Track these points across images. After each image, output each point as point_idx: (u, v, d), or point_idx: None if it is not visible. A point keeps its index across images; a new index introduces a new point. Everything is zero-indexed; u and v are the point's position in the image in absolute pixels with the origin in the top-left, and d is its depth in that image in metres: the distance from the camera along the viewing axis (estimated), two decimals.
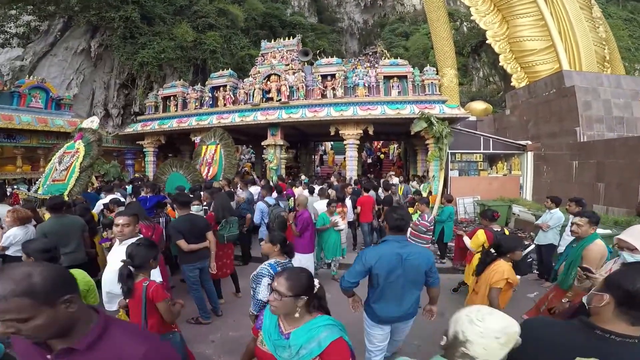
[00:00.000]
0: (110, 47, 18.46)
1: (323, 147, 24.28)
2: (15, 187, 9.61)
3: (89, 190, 9.13)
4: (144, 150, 14.56)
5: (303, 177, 10.93)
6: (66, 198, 6.85)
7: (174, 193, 7.58)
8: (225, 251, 4.55)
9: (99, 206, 5.81)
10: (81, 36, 18.62)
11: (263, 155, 12.80)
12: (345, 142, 12.12)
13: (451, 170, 11.69)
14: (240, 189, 7.16)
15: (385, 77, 11.95)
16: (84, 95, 19.84)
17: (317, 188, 8.19)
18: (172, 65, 18.90)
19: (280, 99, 12.15)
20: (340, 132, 11.95)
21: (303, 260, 4.67)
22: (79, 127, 7.95)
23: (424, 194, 9.47)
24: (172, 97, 13.81)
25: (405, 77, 11.96)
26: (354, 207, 7.28)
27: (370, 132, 12.07)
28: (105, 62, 19.87)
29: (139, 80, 19.45)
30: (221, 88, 13.05)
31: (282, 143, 12.28)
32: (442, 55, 16.47)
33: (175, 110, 13.59)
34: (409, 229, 5.29)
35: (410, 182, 11.27)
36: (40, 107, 11.92)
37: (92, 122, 7.83)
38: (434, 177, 10.89)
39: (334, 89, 12.11)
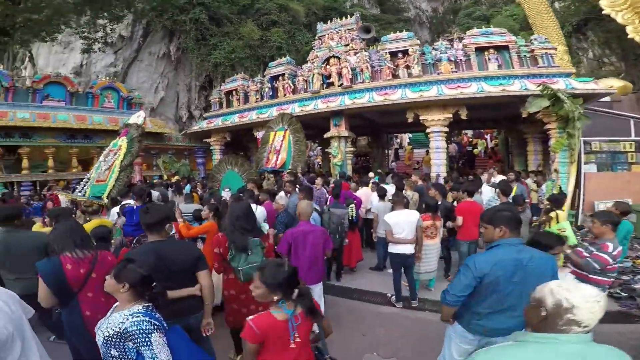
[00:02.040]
0: (186, 50, 19.08)
1: (399, 140, 21.66)
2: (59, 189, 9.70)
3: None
4: (211, 148, 14.25)
5: (372, 174, 8.93)
6: (105, 200, 6.22)
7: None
8: (248, 294, 2.93)
9: (113, 214, 4.85)
10: (160, 41, 19.61)
11: (327, 150, 11.12)
12: (428, 131, 9.73)
13: (585, 163, 8.36)
14: (287, 191, 5.58)
15: (477, 48, 9.43)
16: (169, 98, 20.98)
17: (390, 189, 6.20)
18: (243, 65, 18.87)
19: (342, 84, 10.39)
20: (421, 118, 9.64)
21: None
22: (125, 122, 7.37)
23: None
24: (234, 92, 13.16)
25: (506, 47, 9.29)
26: (448, 218, 5.10)
27: (463, 116, 9.48)
28: (184, 65, 20.71)
29: (215, 81, 19.82)
30: (280, 77, 11.85)
31: (346, 134, 10.46)
32: (543, 31, 12.56)
33: (238, 105, 12.84)
34: (568, 265, 3.11)
35: (525, 179, 8.34)
36: (112, 107, 12.28)
37: (138, 117, 7.17)
38: (558, 172, 7.84)
39: (407, 67, 9.89)
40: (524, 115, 8.47)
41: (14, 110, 10.10)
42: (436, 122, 9.52)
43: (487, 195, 6.34)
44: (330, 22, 11.89)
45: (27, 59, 19.08)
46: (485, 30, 9.92)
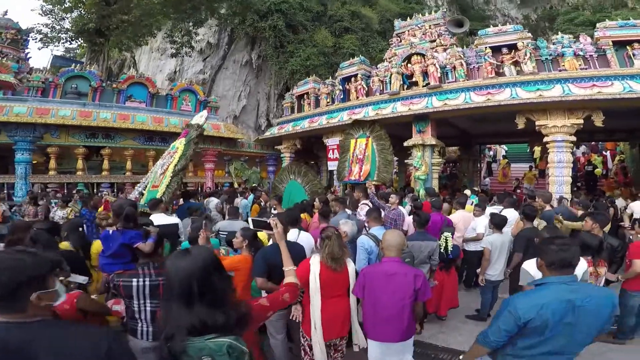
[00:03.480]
0: (266, 58, 19.37)
1: (492, 153, 18.61)
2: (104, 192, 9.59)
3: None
4: (281, 155, 13.65)
5: (468, 192, 7.01)
6: None
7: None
8: None
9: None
10: (243, 48, 20.19)
11: (407, 161, 9.38)
12: (547, 140, 7.49)
13: None
14: (334, 210, 4.23)
15: (615, 42, 7.38)
16: (251, 106, 21.45)
17: (499, 211, 4.42)
18: (318, 72, 18.49)
19: (428, 83, 8.74)
20: (537, 124, 7.54)
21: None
22: (190, 123, 6.81)
23: None
24: (305, 96, 12.37)
25: None
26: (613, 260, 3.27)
27: (597, 123, 7.22)
28: (265, 73, 21.05)
29: (292, 90, 19.70)
30: (352, 79, 10.64)
31: (433, 142, 8.66)
32: None
33: (309, 110, 11.97)
34: None
35: None
36: (189, 110, 12.37)
37: (201, 117, 6.59)
38: None
39: (516, 63, 7.95)
40: None
41: (98, 111, 10.53)
42: (559, 129, 7.28)
43: None
44: (411, 18, 10.38)
45: (130, 64, 21.29)
46: (625, 22, 7.74)
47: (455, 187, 11.16)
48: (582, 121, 7.15)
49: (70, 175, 10.92)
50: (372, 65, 11.14)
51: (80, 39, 13.92)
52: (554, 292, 1.70)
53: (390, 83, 9.41)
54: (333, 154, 11.05)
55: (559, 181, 7.24)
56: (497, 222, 4.00)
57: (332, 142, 11.07)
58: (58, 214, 7.74)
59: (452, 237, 4.27)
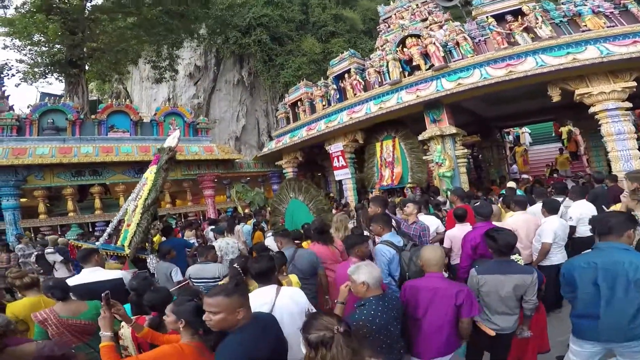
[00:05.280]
0: (257, 74, 18.84)
1: (511, 137, 17.10)
2: (70, 236, 8.56)
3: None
4: (283, 172, 12.60)
5: (512, 184, 5.76)
6: (127, 251, 4.57)
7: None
8: None
9: None
10: (232, 68, 19.62)
11: (425, 158, 8.13)
12: (595, 110, 6.22)
13: None
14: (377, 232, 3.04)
15: None
16: (250, 125, 20.82)
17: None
18: (312, 81, 17.87)
19: (431, 65, 7.66)
20: (577, 93, 6.40)
21: None
22: (162, 146, 5.79)
23: None
24: (298, 103, 11.35)
25: None
26: None
27: None
28: (258, 89, 20.51)
29: (285, 99, 19.12)
30: (345, 75, 9.62)
31: (454, 131, 7.44)
32: None
33: (305, 117, 10.93)
34: None
35: None
36: None
37: (174, 139, 5.55)
38: None
39: (526, 29, 6.92)
40: None
41: (78, 145, 9.72)
42: (608, 95, 5.98)
43: None
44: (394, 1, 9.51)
45: (124, 96, 20.88)
46: None
47: (484, 181, 9.87)
48: (634, 84, 5.86)
49: (62, 217, 10.11)
50: (364, 58, 10.19)
51: (54, 72, 13.39)
52: None
53: (388, 72, 8.33)
54: (338, 161, 9.97)
55: (624, 156, 5.90)
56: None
57: (335, 148, 9.99)
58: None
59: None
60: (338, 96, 9.82)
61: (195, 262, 4.58)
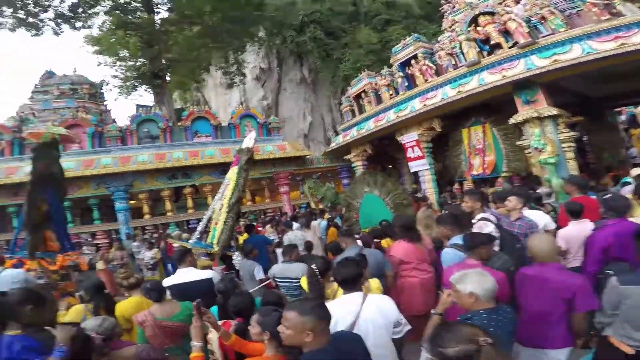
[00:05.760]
0: (317, 70, 19.07)
1: (623, 117, 14.25)
2: (169, 232, 9.21)
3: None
4: (352, 166, 12.43)
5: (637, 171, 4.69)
6: (216, 248, 4.88)
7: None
8: None
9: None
10: (294, 66, 20.10)
11: (519, 143, 7.08)
12: None
13: None
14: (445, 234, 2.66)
15: None
16: (317, 122, 21.18)
17: None
18: (374, 71, 17.41)
19: (515, 43, 6.79)
20: None
21: None
22: (240, 147, 6.08)
23: None
24: (362, 94, 11.05)
25: None
26: None
27: None
28: (321, 85, 20.63)
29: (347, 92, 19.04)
30: (412, 61, 9.09)
31: (554, 112, 6.38)
32: None
33: (371, 109, 10.62)
34: None
35: None
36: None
37: (250, 139, 5.78)
38: None
39: None
40: None
41: (170, 151, 10.89)
42: None
43: None
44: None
45: (203, 103, 22.88)
46: None
47: (596, 168, 8.37)
48: None
49: (162, 217, 11.45)
50: (431, 41, 9.55)
51: (142, 85, 15.19)
52: None
53: (463, 54, 7.66)
54: (413, 151, 9.42)
55: None
56: None
57: (408, 138, 9.45)
58: (147, 255, 7.90)
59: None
60: (407, 84, 9.29)
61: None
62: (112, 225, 10.69)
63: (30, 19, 12.83)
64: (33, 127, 9.77)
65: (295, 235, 6.49)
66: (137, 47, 13.38)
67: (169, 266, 7.47)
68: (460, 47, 7.74)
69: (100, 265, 5.16)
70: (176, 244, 5.70)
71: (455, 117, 8.75)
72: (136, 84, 15.44)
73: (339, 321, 1.92)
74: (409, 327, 2.10)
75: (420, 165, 9.32)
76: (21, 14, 12.61)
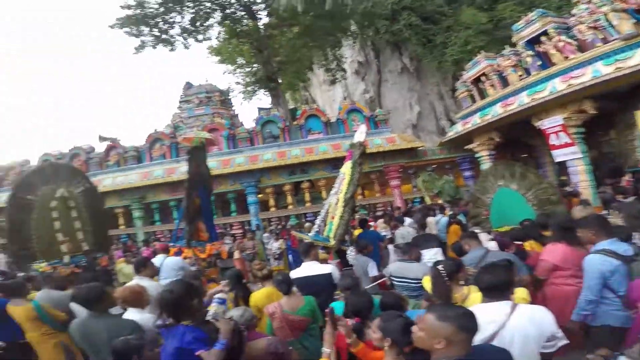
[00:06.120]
0: (418, 58, 17.99)
1: None
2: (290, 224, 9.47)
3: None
4: (476, 156, 11.13)
5: None
6: (332, 242, 5.00)
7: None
8: None
9: None
10: (392, 57, 19.26)
11: None
12: None
13: None
14: None
15: None
16: (426, 110, 20.06)
17: None
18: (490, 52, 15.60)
19: None
20: None
21: None
22: (352, 142, 6.07)
23: None
24: (481, 78, 9.85)
25: None
26: None
27: None
28: (425, 73, 19.49)
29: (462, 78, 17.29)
30: (542, 38, 7.95)
31: None
32: None
33: (494, 92, 9.30)
34: None
35: None
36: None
37: (361, 133, 5.70)
38: None
39: None
40: None
41: (289, 149, 11.79)
42: None
43: None
44: None
45: (311, 102, 24.13)
46: None
47: None
48: None
49: (284, 209, 12.58)
50: (561, 15, 8.20)
51: (260, 89, 16.75)
52: None
53: (612, 26, 6.58)
54: (557, 138, 7.84)
55: None
56: None
57: (551, 122, 7.91)
58: (274, 246, 8.76)
59: None
60: (539, 62, 7.93)
61: None
62: (245, 217, 12.28)
63: (164, 36, 15.48)
64: (184, 133, 11.98)
65: (407, 231, 6.23)
66: (250, 54, 14.89)
67: (290, 257, 8.07)
68: (605, 18, 6.68)
69: (236, 254, 5.93)
70: (299, 236, 6.07)
71: (620, 97, 7.19)
72: (255, 88, 17.25)
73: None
74: (565, 341, 1.87)
75: (569, 153, 7.68)
76: (155, 32, 15.20)
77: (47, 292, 3.82)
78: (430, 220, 7.27)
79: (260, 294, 3.23)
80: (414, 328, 1.51)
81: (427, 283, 2.73)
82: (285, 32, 16.43)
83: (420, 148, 12.70)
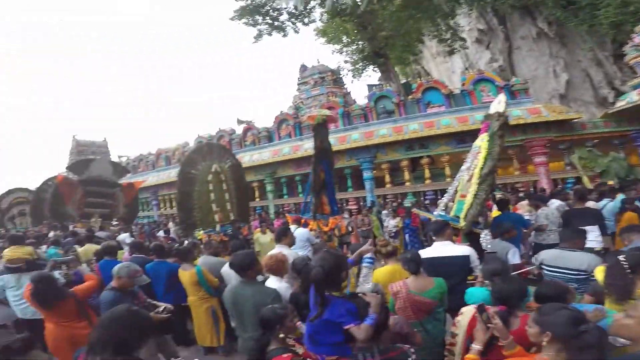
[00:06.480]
0: (560, 21, 14.90)
1: None
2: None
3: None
4: None
5: None
6: (462, 223, 4.54)
7: None
8: None
9: None
10: (522, 23, 16.65)
11: None
12: None
13: None
14: None
15: None
16: (577, 79, 17.00)
17: None
18: None
19: None
20: None
21: None
22: (488, 113, 5.25)
23: None
24: None
25: None
26: None
27: None
28: (572, 38, 16.23)
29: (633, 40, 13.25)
30: None
31: None
32: None
33: None
34: None
35: None
36: (492, 100, 10.35)
37: (499, 103, 4.87)
38: None
39: None
40: None
41: (406, 124, 11.12)
42: None
43: None
44: None
45: (424, 75, 22.35)
46: None
47: None
48: None
49: (400, 186, 12.20)
50: None
51: (368, 65, 16.08)
52: None
53: None
54: None
55: None
56: None
57: None
58: (391, 223, 8.64)
59: None
60: None
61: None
62: (360, 192, 12.43)
63: (276, 23, 16.14)
64: (305, 113, 12.69)
65: (552, 212, 5.36)
66: (355, 31, 14.43)
67: (407, 236, 7.77)
68: None
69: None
70: (424, 215, 5.75)
71: None
72: (364, 65, 16.84)
73: None
74: None
75: None
76: (268, 20, 15.95)
77: (206, 257, 4.27)
78: (590, 204, 5.85)
79: (383, 270, 3.17)
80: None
81: (599, 274, 2.39)
82: (387, 6, 15.42)
83: (576, 120, 10.44)
